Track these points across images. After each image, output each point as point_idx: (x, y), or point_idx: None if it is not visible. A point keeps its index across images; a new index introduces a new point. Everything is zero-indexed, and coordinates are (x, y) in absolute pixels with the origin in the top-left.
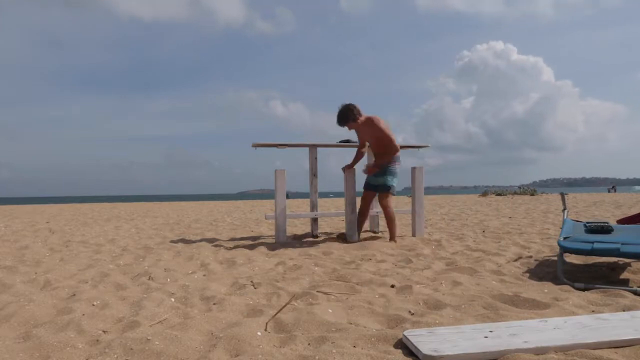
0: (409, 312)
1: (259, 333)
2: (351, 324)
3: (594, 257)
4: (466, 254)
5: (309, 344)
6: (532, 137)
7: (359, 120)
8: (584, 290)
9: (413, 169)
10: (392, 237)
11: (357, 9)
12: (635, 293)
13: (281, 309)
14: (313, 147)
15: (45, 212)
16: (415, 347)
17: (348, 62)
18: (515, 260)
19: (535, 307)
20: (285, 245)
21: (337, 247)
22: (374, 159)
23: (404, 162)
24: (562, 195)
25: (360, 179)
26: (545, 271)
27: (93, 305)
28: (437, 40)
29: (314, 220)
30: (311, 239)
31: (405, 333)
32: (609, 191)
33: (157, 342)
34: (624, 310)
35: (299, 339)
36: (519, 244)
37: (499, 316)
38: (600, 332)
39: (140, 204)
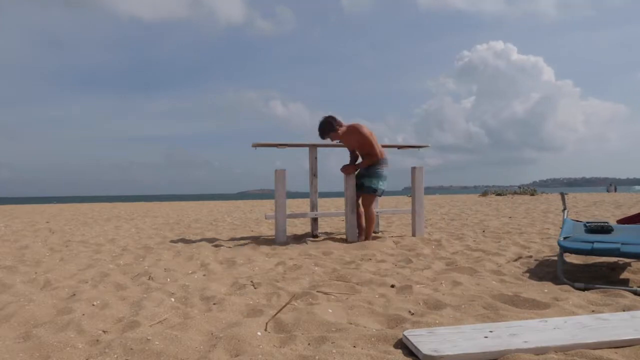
0: (409, 312)
1: (259, 333)
2: (351, 324)
3: (594, 257)
4: (466, 254)
5: (309, 344)
6: (533, 137)
7: (339, 131)
8: (584, 290)
9: (413, 169)
10: (367, 237)
11: (358, 8)
12: (635, 293)
13: (281, 309)
14: (313, 147)
15: (45, 212)
16: (415, 347)
17: (348, 62)
18: (515, 260)
19: (535, 307)
20: (285, 245)
21: (337, 247)
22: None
23: (405, 162)
24: (562, 195)
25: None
26: (545, 271)
27: (93, 305)
28: (437, 40)
29: (314, 220)
30: (311, 239)
31: (405, 333)
32: (608, 191)
33: (157, 342)
34: (624, 310)
35: (299, 339)
36: (519, 244)
37: (499, 316)
38: (600, 332)
39: (140, 204)
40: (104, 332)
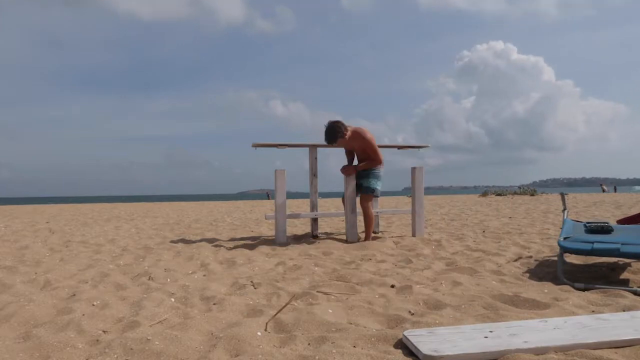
0: (409, 312)
1: (259, 333)
2: (351, 324)
3: (594, 257)
4: (466, 254)
5: (309, 344)
6: (533, 137)
7: (346, 136)
8: (584, 290)
9: (413, 169)
10: (367, 237)
11: (358, 7)
12: (635, 293)
13: (281, 309)
14: (313, 147)
15: (45, 212)
16: (415, 347)
17: (348, 62)
18: (515, 260)
19: (535, 307)
20: (285, 245)
21: (337, 247)
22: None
23: (405, 162)
24: (562, 195)
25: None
26: (545, 271)
27: (93, 305)
28: (437, 40)
29: (314, 220)
30: (311, 239)
31: (405, 333)
32: (603, 191)
33: (157, 342)
34: (624, 310)
35: (299, 339)
36: (519, 244)
37: (499, 316)
38: (600, 332)
39: (140, 204)
40: (104, 332)
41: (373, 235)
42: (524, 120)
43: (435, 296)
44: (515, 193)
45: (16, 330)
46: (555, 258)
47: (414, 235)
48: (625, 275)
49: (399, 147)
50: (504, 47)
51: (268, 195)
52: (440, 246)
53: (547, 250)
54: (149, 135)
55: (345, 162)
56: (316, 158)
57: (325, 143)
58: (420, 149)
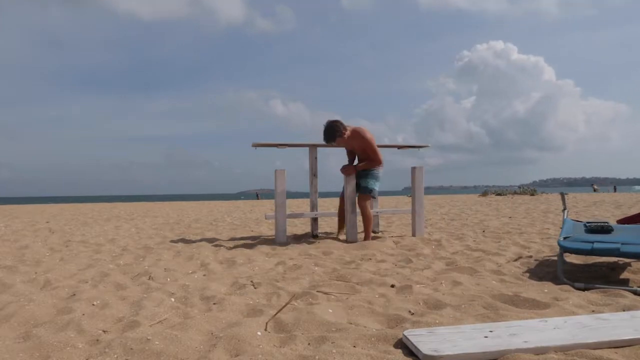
0: (409, 312)
1: (259, 333)
2: (351, 323)
3: (594, 257)
4: (466, 254)
5: (309, 343)
6: (533, 137)
7: (345, 135)
8: (584, 290)
9: (413, 169)
10: (366, 237)
11: (358, 7)
12: (635, 293)
13: (281, 309)
14: (313, 147)
15: (45, 212)
16: (415, 347)
17: (348, 62)
18: (515, 260)
19: (535, 307)
20: (285, 245)
21: (337, 247)
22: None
23: (405, 162)
24: (562, 195)
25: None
26: (545, 271)
27: (93, 305)
28: (437, 40)
29: (314, 220)
30: (311, 239)
31: (405, 333)
32: (594, 190)
33: (157, 342)
34: (624, 310)
35: (299, 339)
36: (519, 244)
37: (499, 316)
38: (600, 332)
39: (140, 204)
40: (104, 332)
41: (373, 235)
42: (525, 120)
43: (435, 296)
44: (515, 193)
45: (16, 330)
46: (555, 258)
47: (414, 235)
48: (625, 275)
49: (399, 147)
50: (504, 46)
51: (257, 195)
52: (440, 246)
53: (547, 250)
54: (149, 135)
55: (346, 162)
56: (316, 158)
57: (325, 143)
58: (421, 149)
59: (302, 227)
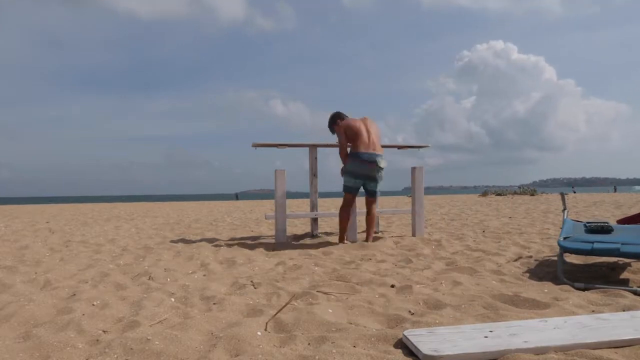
0: (409, 312)
1: (259, 333)
2: (351, 323)
3: (594, 257)
4: (466, 254)
5: (309, 343)
6: (534, 137)
7: (335, 127)
8: (584, 290)
9: (413, 169)
10: (340, 239)
11: (359, 5)
12: (635, 293)
13: (281, 309)
14: (313, 147)
15: (45, 212)
16: (415, 347)
17: (348, 62)
18: (515, 260)
19: (535, 307)
20: (285, 245)
21: (337, 247)
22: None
23: (405, 162)
24: (562, 195)
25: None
26: (545, 271)
27: (93, 305)
28: (438, 40)
29: (314, 220)
30: (311, 239)
31: (405, 333)
32: (574, 192)
33: (157, 342)
34: (624, 310)
35: (299, 339)
36: (519, 244)
37: (499, 316)
38: (600, 332)
39: (140, 204)
40: (104, 332)
41: (374, 235)
42: (525, 120)
43: (435, 296)
44: (515, 193)
45: (16, 330)
46: (555, 258)
47: (414, 235)
48: (625, 275)
49: (399, 147)
50: (504, 46)
51: (237, 196)
52: (440, 246)
53: (547, 250)
54: (149, 135)
55: None
56: (316, 158)
57: (326, 143)
58: (421, 149)
59: (302, 227)
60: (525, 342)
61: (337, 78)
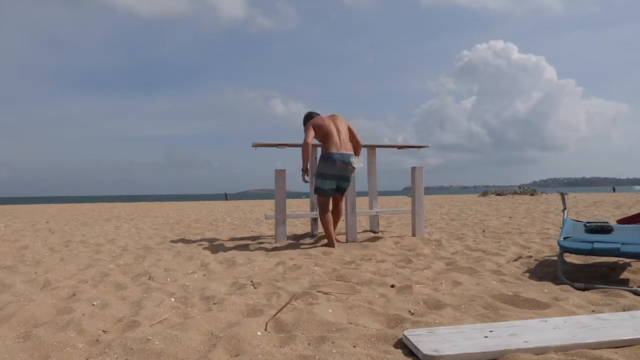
0: (409, 312)
1: (259, 333)
2: (351, 323)
3: (594, 257)
4: (466, 254)
5: (309, 343)
6: (534, 137)
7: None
8: (584, 290)
9: (413, 169)
10: (328, 242)
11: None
12: (635, 293)
13: (281, 309)
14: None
15: (45, 212)
16: (415, 347)
17: (348, 62)
18: (515, 260)
19: (535, 307)
20: (285, 245)
21: (337, 247)
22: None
23: (405, 162)
24: (562, 195)
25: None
26: (545, 271)
27: (93, 305)
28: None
29: (314, 220)
30: (311, 239)
31: (405, 333)
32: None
33: (157, 342)
34: (624, 310)
35: (299, 339)
36: (519, 244)
37: (499, 316)
38: (600, 332)
39: (140, 204)
40: (104, 332)
41: (374, 235)
42: (525, 119)
43: (435, 296)
44: (515, 193)
45: (16, 330)
46: (555, 258)
47: (414, 235)
48: (625, 275)
49: (399, 147)
50: (505, 46)
51: (226, 196)
52: (440, 246)
53: (547, 250)
54: (149, 135)
55: None
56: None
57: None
58: (421, 149)
59: (302, 227)
60: (525, 342)
61: (337, 78)
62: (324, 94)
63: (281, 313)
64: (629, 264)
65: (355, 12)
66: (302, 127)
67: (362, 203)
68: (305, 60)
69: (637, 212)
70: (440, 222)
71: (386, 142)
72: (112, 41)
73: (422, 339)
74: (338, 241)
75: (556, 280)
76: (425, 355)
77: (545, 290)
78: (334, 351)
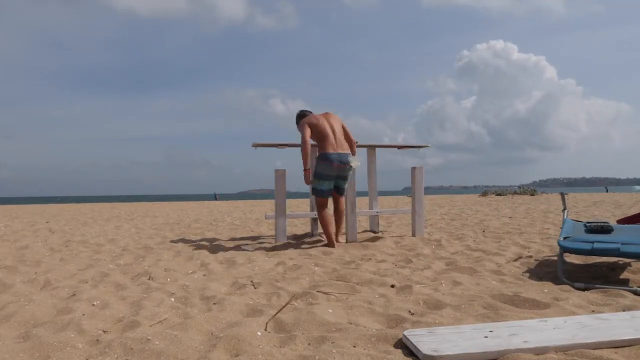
0: (409, 312)
1: (259, 333)
2: (351, 323)
3: (594, 257)
4: (466, 254)
5: (309, 344)
6: (534, 137)
7: (299, 124)
8: (584, 290)
9: (413, 169)
10: (328, 243)
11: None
12: (635, 293)
13: (281, 309)
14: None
15: (45, 212)
16: (415, 347)
17: (348, 62)
18: (515, 260)
19: (535, 307)
20: (285, 245)
21: (337, 247)
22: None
23: (405, 162)
24: (562, 195)
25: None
26: (545, 271)
27: (93, 305)
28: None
29: (314, 220)
30: (311, 239)
31: (405, 333)
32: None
33: (157, 342)
34: (624, 310)
35: (299, 339)
36: (519, 244)
37: (499, 316)
38: (600, 332)
39: (140, 204)
40: (104, 332)
41: (373, 235)
42: (526, 119)
43: (435, 296)
44: (515, 193)
45: (16, 330)
46: (555, 258)
47: (414, 235)
48: (625, 275)
49: (399, 147)
50: (505, 46)
51: (216, 196)
52: (440, 246)
53: (547, 250)
54: (149, 135)
55: None
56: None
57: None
58: (421, 149)
59: (302, 227)
60: (525, 342)
61: (337, 78)
62: (324, 94)
63: (281, 313)
64: (629, 264)
65: (356, 12)
66: (296, 127)
67: (362, 203)
68: (305, 60)
69: (637, 212)
70: (440, 222)
71: (386, 141)
72: (112, 41)
73: (422, 339)
74: (338, 241)
75: (556, 280)
76: (425, 355)
77: (545, 290)
78: (334, 351)
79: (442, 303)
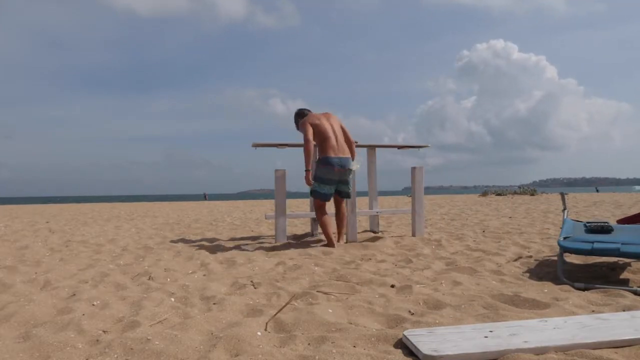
0: (409, 312)
1: (259, 333)
2: (351, 324)
3: (594, 257)
4: (466, 254)
5: (309, 344)
6: (535, 136)
7: (300, 123)
8: (584, 290)
9: (413, 169)
10: (328, 243)
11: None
12: (635, 293)
13: (281, 309)
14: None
15: (45, 212)
16: (415, 347)
17: (348, 61)
18: (515, 260)
19: (535, 307)
20: (285, 245)
21: (337, 247)
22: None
23: (405, 162)
24: (562, 195)
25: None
26: (545, 271)
27: (93, 305)
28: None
29: (314, 220)
30: (311, 239)
31: (405, 333)
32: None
33: (157, 342)
34: (624, 310)
35: (299, 339)
36: (519, 244)
37: (499, 316)
38: (600, 332)
39: (140, 204)
40: (104, 332)
41: (373, 235)
42: (526, 119)
43: (435, 296)
44: (515, 193)
45: (16, 330)
46: (555, 258)
47: (414, 235)
48: (625, 275)
49: (399, 147)
50: (505, 45)
51: (205, 196)
52: (440, 246)
53: (547, 250)
54: (149, 135)
55: None
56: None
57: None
58: (421, 149)
59: (302, 227)
60: (525, 342)
61: (337, 78)
62: (324, 94)
63: (281, 313)
64: (629, 264)
65: (356, 12)
66: (295, 126)
67: (362, 203)
68: (306, 60)
69: (637, 212)
70: (440, 222)
71: (386, 141)
72: (112, 41)
73: (422, 339)
74: (339, 242)
75: (556, 280)
76: (425, 355)
77: (545, 290)
78: (334, 351)
79: (442, 303)
